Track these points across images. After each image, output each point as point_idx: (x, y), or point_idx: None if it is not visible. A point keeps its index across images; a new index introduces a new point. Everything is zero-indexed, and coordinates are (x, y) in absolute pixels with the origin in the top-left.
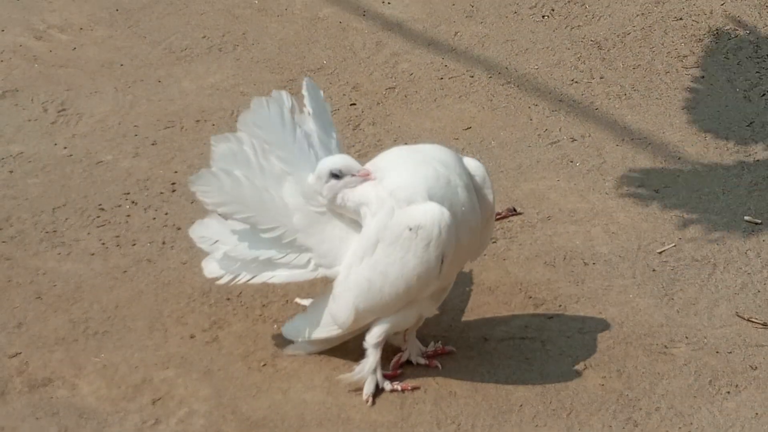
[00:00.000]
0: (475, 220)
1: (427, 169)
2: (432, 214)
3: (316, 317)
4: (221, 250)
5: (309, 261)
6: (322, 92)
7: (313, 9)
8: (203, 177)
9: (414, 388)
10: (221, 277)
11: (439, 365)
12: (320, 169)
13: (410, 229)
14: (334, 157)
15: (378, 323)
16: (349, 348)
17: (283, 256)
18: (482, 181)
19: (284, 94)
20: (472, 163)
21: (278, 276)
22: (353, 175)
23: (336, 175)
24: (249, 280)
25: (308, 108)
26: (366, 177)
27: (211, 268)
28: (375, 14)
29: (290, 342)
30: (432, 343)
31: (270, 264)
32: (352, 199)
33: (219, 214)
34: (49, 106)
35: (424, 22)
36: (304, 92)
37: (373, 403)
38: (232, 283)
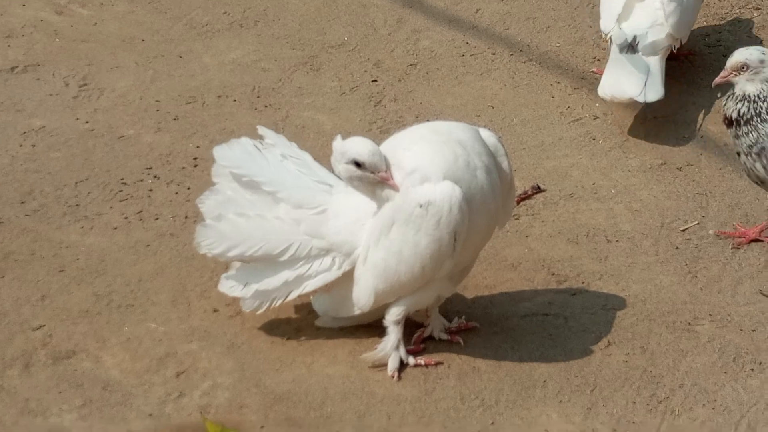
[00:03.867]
0: (494, 203)
1: (445, 150)
2: (442, 191)
3: (341, 297)
4: (252, 288)
5: (333, 260)
6: (281, 135)
7: None
8: (201, 233)
9: (437, 363)
10: (260, 308)
11: (461, 341)
12: (346, 150)
13: (420, 206)
14: (364, 146)
15: (397, 303)
16: (371, 322)
17: (309, 268)
18: (495, 150)
19: (243, 138)
20: (483, 133)
21: (310, 285)
22: (373, 173)
23: (357, 164)
24: (285, 299)
25: (270, 141)
26: (385, 181)
27: (247, 304)
28: None
29: (319, 314)
30: (456, 319)
31: (300, 279)
32: (367, 191)
33: (235, 260)
34: (71, 80)
35: None
36: (261, 132)
37: (399, 378)
38: (271, 308)
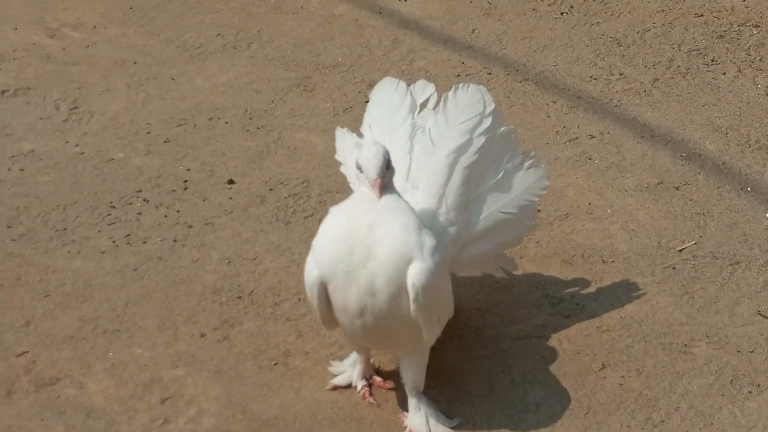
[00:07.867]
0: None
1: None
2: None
3: None
4: None
5: None
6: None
7: (328, 7)
8: None
9: (391, 389)
10: None
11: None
12: (361, 153)
13: None
14: (371, 151)
15: None
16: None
17: None
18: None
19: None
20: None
21: None
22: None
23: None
24: None
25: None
26: (373, 187)
27: None
28: (391, 12)
29: None
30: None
31: None
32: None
33: None
34: (62, 104)
35: (441, 19)
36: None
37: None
38: None
